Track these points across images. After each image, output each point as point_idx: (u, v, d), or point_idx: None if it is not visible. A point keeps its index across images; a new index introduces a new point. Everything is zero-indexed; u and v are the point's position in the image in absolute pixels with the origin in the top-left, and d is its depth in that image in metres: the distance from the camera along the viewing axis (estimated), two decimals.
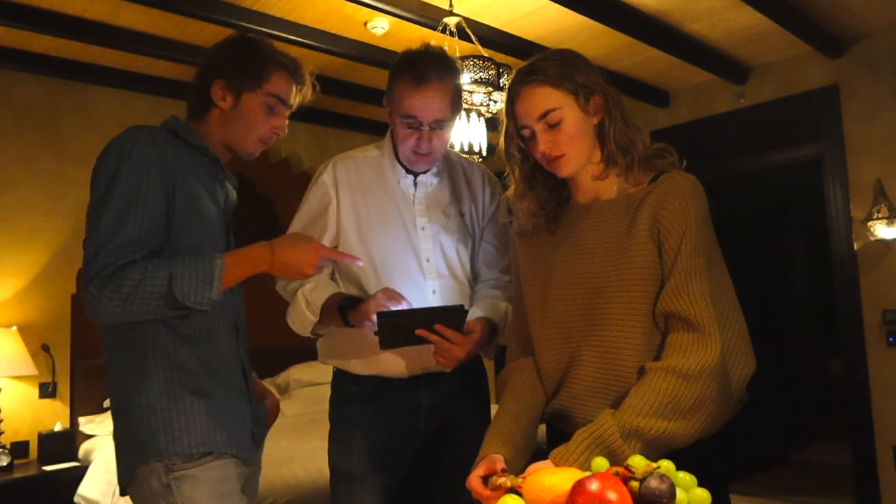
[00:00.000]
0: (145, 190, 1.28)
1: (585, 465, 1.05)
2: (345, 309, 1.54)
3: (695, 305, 1.18)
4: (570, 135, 1.29)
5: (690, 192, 1.25)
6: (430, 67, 1.54)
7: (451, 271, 1.66)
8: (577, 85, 1.29)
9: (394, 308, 1.47)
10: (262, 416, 1.52)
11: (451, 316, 1.44)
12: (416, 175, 1.69)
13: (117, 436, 1.38)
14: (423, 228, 1.66)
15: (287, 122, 1.49)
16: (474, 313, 1.63)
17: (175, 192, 1.32)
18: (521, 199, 1.40)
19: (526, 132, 1.33)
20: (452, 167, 1.77)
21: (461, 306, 1.45)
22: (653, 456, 1.06)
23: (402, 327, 1.43)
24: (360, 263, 1.53)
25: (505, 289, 1.72)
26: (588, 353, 1.27)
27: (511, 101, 1.34)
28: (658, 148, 1.35)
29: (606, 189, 1.35)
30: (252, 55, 1.43)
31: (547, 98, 1.29)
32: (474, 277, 1.74)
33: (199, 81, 1.45)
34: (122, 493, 1.38)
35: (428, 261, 1.64)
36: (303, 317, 1.60)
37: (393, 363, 1.60)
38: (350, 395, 1.67)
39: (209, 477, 1.29)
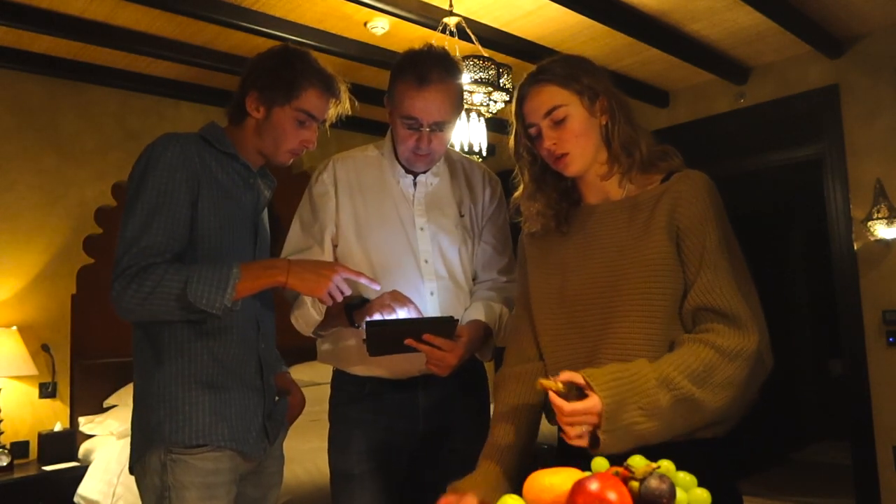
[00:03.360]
0: (170, 195, 1.36)
1: (610, 394, 1.08)
2: (352, 309, 1.53)
3: (729, 300, 1.20)
4: (574, 132, 1.31)
5: (706, 189, 1.27)
6: (433, 69, 1.52)
7: (449, 273, 1.65)
8: (584, 86, 1.32)
9: (397, 311, 1.47)
10: (281, 412, 1.59)
11: (440, 327, 1.43)
12: (415, 175, 1.68)
13: (133, 421, 1.47)
14: (421, 229, 1.65)
15: (316, 135, 1.53)
16: (468, 316, 1.62)
17: (199, 196, 1.40)
18: (530, 199, 1.42)
19: (533, 130, 1.35)
20: (453, 166, 1.76)
21: (451, 317, 1.43)
22: (672, 422, 1.10)
23: (390, 336, 1.43)
24: (377, 287, 1.51)
25: (501, 290, 1.71)
26: (605, 351, 1.27)
27: (520, 102, 1.37)
28: (661, 150, 1.36)
29: (615, 189, 1.36)
30: (286, 71, 1.47)
31: (553, 96, 1.32)
32: (472, 279, 1.73)
33: (239, 90, 1.51)
34: (131, 472, 1.47)
35: (426, 262, 1.63)
36: (307, 316, 1.59)
37: (391, 365, 1.59)
38: (349, 394, 1.66)
39: (202, 466, 1.38)
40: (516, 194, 1.46)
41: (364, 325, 1.42)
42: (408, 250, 1.63)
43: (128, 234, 1.34)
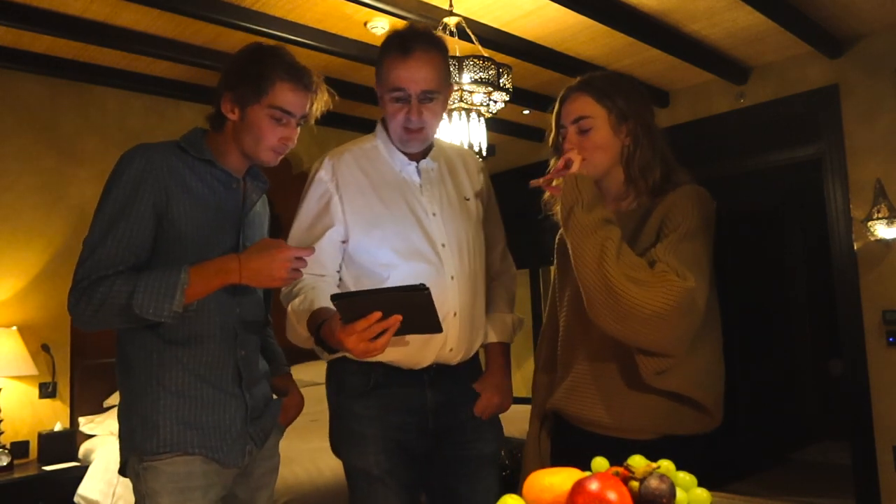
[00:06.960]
0: (129, 207, 1.36)
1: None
2: (321, 340, 1.44)
3: (670, 262, 1.26)
4: (595, 144, 1.43)
5: (695, 197, 1.38)
6: (415, 40, 1.54)
7: (467, 255, 1.64)
8: (615, 105, 1.42)
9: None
10: (273, 413, 1.57)
11: (413, 295, 1.30)
12: (417, 161, 1.66)
13: (118, 427, 1.49)
14: (433, 214, 1.63)
15: (296, 132, 1.50)
16: (489, 337, 1.72)
17: (168, 206, 1.39)
18: None
19: (563, 131, 1.48)
20: (447, 153, 1.76)
21: (422, 284, 1.28)
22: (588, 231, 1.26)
23: (362, 310, 1.32)
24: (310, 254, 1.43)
25: (506, 287, 1.80)
26: (581, 352, 1.43)
27: (560, 103, 1.50)
28: (672, 174, 1.45)
29: (627, 202, 1.48)
30: (255, 68, 1.44)
31: (585, 106, 1.44)
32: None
33: (215, 93, 1.49)
34: (121, 473, 1.49)
35: (444, 246, 1.61)
36: (296, 333, 1.54)
37: (406, 351, 1.53)
38: (352, 387, 1.59)
39: (172, 471, 1.37)
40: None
41: (332, 301, 1.31)
42: (424, 237, 1.60)
43: (86, 247, 1.37)
